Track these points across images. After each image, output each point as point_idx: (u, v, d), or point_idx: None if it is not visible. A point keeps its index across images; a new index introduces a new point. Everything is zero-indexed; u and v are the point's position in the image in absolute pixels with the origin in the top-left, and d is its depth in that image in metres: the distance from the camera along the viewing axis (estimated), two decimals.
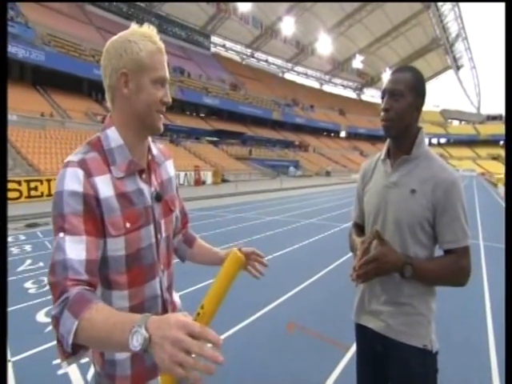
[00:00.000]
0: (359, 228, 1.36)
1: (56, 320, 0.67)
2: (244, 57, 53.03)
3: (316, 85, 64.34)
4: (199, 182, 19.70)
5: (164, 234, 0.94)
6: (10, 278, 4.11)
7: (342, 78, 64.58)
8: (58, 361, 2.45)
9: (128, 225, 0.82)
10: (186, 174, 19.23)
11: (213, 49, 46.67)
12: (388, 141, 1.23)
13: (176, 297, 1.06)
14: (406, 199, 1.12)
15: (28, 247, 5.72)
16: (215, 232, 7.16)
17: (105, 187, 0.79)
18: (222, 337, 2.82)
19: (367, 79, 65.65)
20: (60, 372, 2.32)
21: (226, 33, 45.79)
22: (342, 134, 56.09)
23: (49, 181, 12.09)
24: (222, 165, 24.71)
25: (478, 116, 67.52)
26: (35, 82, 22.87)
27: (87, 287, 0.71)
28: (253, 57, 53.39)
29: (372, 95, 72.38)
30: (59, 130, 18.15)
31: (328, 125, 51.67)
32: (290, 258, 5.42)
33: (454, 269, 1.09)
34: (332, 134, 54.54)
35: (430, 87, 71.38)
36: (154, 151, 0.97)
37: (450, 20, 52.06)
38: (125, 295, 0.85)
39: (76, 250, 0.72)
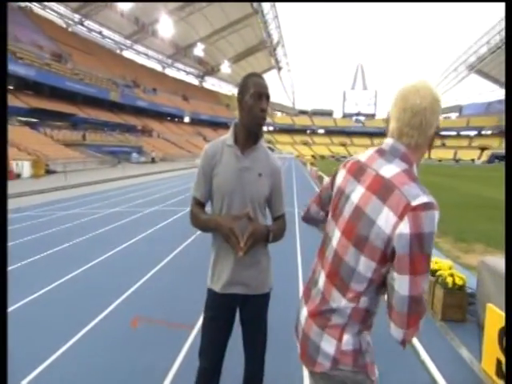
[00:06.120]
0: (202, 206, 1.48)
1: None
2: (70, 22, 44.84)
3: (158, 67, 61.76)
4: (11, 176, 15.19)
5: None
6: None
7: (184, 63, 64.38)
8: None
9: None
10: None
11: (23, 3, 37.18)
12: (233, 128, 1.44)
13: None
14: (257, 181, 1.41)
15: None
16: (38, 235, 6.00)
17: None
18: (63, 348, 2.52)
19: (208, 68, 68.00)
20: None
21: None
22: (186, 119, 56.44)
23: None
24: (45, 152, 20.52)
25: (294, 110, 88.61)
26: None
27: None
28: (82, 24, 45.84)
29: (213, 84, 75.68)
30: None
31: (172, 110, 50.84)
32: (133, 250, 5.21)
33: (283, 227, 1.53)
34: (176, 119, 54.12)
35: None
36: None
37: (273, 28, 60.41)
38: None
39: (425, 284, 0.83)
